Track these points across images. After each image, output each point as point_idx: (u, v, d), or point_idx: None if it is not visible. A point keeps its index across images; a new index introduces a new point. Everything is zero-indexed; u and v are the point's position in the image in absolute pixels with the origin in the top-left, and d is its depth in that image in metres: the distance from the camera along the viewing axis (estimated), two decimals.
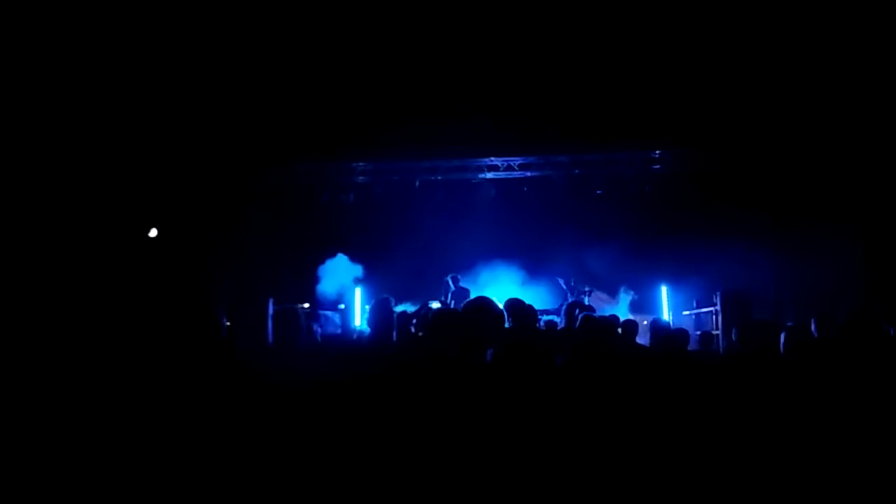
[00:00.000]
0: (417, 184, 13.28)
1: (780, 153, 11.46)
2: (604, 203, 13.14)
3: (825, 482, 2.69)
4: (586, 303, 9.38)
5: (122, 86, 9.82)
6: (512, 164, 13.32)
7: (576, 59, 10.18)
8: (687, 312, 11.82)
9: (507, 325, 4.11)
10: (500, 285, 11.70)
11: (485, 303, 3.12)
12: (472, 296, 6.67)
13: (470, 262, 12.08)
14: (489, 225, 12.63)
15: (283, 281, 11.77)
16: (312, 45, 9.80)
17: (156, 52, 9.50)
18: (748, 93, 10.51)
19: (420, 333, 5.44)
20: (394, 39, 9.69)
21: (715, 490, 2.74)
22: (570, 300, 9.42)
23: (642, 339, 6.60)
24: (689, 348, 5.72)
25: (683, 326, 9.34)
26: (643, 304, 12.17)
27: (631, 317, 8.23)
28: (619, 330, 5.71)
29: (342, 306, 11.86)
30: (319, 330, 4.20)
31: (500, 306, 3.53)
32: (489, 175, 13.48)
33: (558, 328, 6.84)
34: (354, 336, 5.87)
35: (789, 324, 3.74)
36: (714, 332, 9.32)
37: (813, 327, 4.16)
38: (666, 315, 11.85)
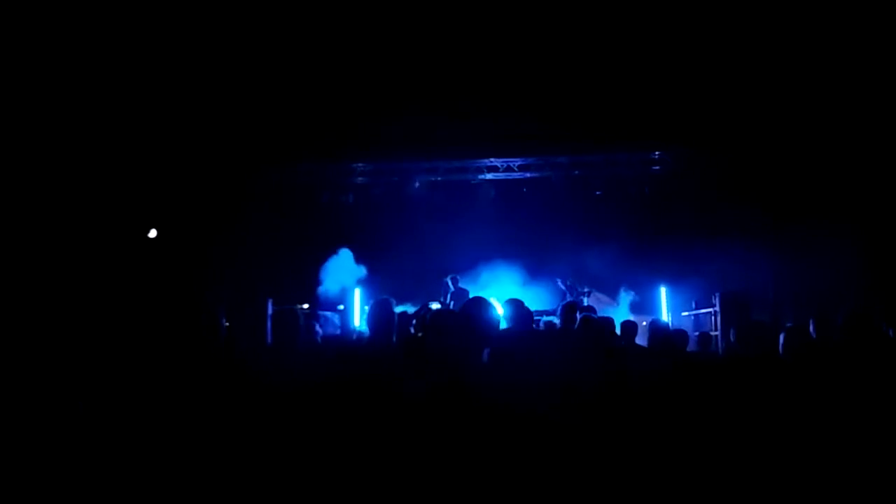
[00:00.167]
0: (417, 184, 13.29)
1: (780, 154, 11.46)
2: (603, 204, 13.17)
3: (825, 482, 2.69)
4: (585, 304, 9.37)
5: (122, 86, 9.83)
6: (511, 164, 13.33)
7: (575, 60, 10.18)
8: (686, 313, 11.83)
9: (504, 325, 4.10)
10: (500, 286, 11.69)
11: (481, 303, 3.13)
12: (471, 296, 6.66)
13: (470, 263, 12.07)
14: (489, 226, 12.63)
15: (283, 282, 11.76)
16: (313, 46, 9.79)
17: (156, 52, 9.50)
18: (747, 93, 10.52)
19: (420, 334, 5.44)
20: (394, 40, 9.69)
21: (715, 490, 2.74)
22: (567, 300, 9.40)
23: (641, 339, 6.59)
24: (687, 349, 5.73)
25: (682, 327, 9.36)
26: (643, 304, 12.19)
27: (631, 317, 8.22)
28: (618, 331, 5.71)
29: (341, 307, 11.86)
30: (320, 331, 4.20)
31: (501, 307, 3.53)
32: (489, 176, 13.50)
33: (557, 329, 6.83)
34: (354, 337, 5.87)
35: (788, 325, 3.73)
36: (713, 333, 9.30)
37: (811, 328, 4.16)
38: (665, 316, 11.85)
